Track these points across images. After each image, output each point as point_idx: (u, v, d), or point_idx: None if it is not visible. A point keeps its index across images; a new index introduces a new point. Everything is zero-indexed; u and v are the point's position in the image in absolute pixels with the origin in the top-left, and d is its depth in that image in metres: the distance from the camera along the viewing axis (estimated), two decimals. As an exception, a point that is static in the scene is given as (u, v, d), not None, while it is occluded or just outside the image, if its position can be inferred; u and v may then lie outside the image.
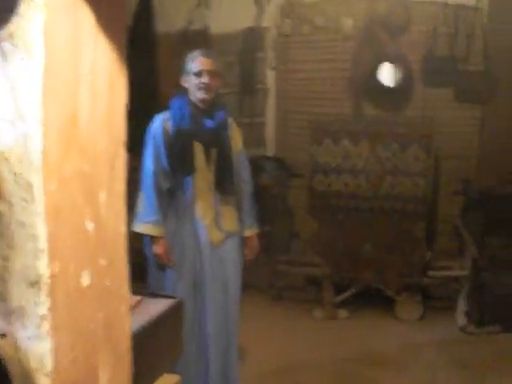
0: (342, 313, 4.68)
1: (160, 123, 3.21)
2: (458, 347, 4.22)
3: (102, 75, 1.41)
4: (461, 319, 4.42)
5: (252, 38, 5.71)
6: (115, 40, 1.45)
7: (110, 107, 1.45)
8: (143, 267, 3.24)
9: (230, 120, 3.40)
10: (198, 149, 3.22)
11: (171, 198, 3.22)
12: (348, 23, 5.23)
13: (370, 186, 5.10)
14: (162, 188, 3.18)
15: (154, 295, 2.48)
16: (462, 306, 4.44)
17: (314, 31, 5.40)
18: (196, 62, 3.19)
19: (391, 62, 5.12)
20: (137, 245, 3.00)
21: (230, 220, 3.33)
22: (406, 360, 4.07)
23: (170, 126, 3.20)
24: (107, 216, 1.48)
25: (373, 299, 4.80)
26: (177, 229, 3.23)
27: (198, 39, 5.63)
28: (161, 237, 3.16)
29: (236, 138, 3.42)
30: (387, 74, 5.14)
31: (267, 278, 5.14)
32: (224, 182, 3.29)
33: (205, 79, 3.15)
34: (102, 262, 1.47)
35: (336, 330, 4.52)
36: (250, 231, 3.46)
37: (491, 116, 5.25)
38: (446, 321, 4.53)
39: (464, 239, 4.68)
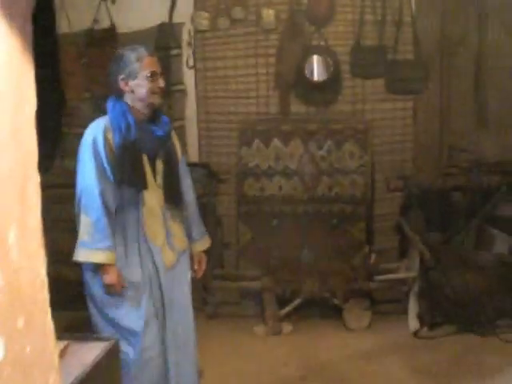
0: (287, 327, 4.43)
1: (100, 134, 2.81)
2: (413, 353, 4.07)
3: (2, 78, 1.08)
4: (413, 323, 4.28)
5: (165, 35, 5.37)
6: (17, 35, 1.12)
7: (14, 120, 1.12)
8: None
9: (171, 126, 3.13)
10: (145, 161, 2.91)
11: (118, 219, 2.86)
12: (269, 15, 4.99)
13: (306, 188, 4.90)
14: (110, 209, 2.81)
15: (83, 337, 2.14)
16: (412, 309, 4.31)
17: (232, 24, 5.14)
18: (144, 62, 2.83)
19: (318, 54, 4.93)
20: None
21: (180, 238, 3.07)
22: (358, 372, 3.88)
23: (112, 136, 2.82)
24: (20, 261, 1.15)
25: (319, 309, 4.60)
26: (127, 254, 2.88)
27: (104, 39, 5.25)
28: (112, 264, 2.80)
29: (177, 145, 3.14)
30: (314, 68, 4.95)
31: (200, 294, 4.83)
32: (174, 197, 3.02)
33: (161, 83, 2.86)
34: (19, 322, 1.14)
35: (281, 346, 4.26)
36: (201, 245, 3.22)
37: (424, 107, 5.20)
38: (397, 326, 4.39)
39: (409, 238, 4.55)
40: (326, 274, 4.43)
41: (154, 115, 2.94)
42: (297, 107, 5.11)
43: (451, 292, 4.21)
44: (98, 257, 2.77)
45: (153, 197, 2.91)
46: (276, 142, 4.85)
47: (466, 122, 5.22)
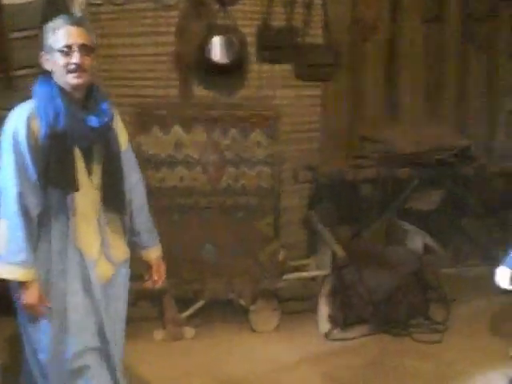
0: (189, 331, 4.13)
1: (23, 122, 2.35)
2: (325, 357, 3.87)
3: None
4: (324, 324, 4.11)
5: (54, 9, 4.95)
6: None
7: None
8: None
9: (115, 111, 2.63)
10: (77, 157, 2.46)
11: (42, 225, 2.44)
12: (171, -11, 4.69)
13: (209, 180, 4.64)
14: (31, 214, 2.37)
15: None
16: (323, 309, 4.14)
17: (129, -1, 4.79)
18: (60, 33, 2.36)
19: (222, 34, 4.67)
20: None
21: (120, 247, 2.67)
22: (265, 381, 3.64)
23: (38, 125, 2.36)
24: None
25: (224, 311, 4.33)
26: (52, 268, 2.47)
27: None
28: (32, 281, 2.39)
29: (121, 134, 2.67)
30: (218, 49, 4.68)
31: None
32: (113, 200, 2.57)
33: (75, 58, 2.36)
34: None
35: (183, 353, 3.96)
36: (156, 251, 2.84)
37: (333, 94, 5.06)
38: (308, 327, 4.19)
39: (319, 234, 4.39)
40: (231, 272, 4.16)
41: (90, 99, 2.47)
42: (199, 91, 4.79)
43: (364, 291, 4.07)
44: (12, 273, 2.35)
45: (86, 200, 2.48)
46: (176, 128, 4.54)
47: (378, 112, 5.15)
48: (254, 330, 4.18)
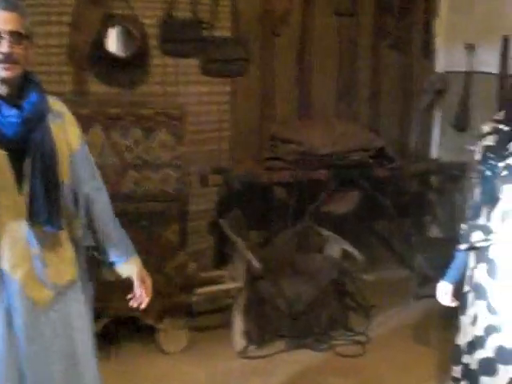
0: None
1: None
2: (241, 378, 3.61)
3: None
4: (239, 341, 3.86)
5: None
6: None
7: None
8: None
9: (59, 104, 2.27)
10: (1, 160, 2.06)
11: None
12: (62, -26, 4.32)
13: (108, 184, 4.28)
14: None
15: None
16: (238, 324, 3.89)
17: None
18: None
19: (121, 25, 4.34)
20: None
21: (60, 268, 2.23)
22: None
23: None
24: None
25: (129, 331, 3.97)
26: None
27: None
28: None
29: (68, 132, 2.27)
30: (116, 42, 4.36)
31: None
32: (42, 211, 2.14)
33: (3, 47, 1.99)
34: None
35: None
36: (136, 261, 2.47)
37: (243, 91, 4.85)
38: (222, 345, 3.91)
39: (232, 242, 4.14)
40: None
41: (21, 92, 2.09)
42: (96, 87, 4.42)
43: (282, 303, 3.86)
44: None
45: (12, 210, 2.09)
46: (72, 127, 4.20)
47: (290, 110, 4.98)
48: (163, 351, 3.88)
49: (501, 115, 2.49)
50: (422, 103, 5.31)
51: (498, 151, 2.35)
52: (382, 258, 5.22)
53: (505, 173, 2.31)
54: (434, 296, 4.65)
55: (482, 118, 4.86)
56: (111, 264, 2.46)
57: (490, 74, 4.70)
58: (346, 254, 4.33)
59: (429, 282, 4.88)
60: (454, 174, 5.05)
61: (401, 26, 5.18)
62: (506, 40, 4.56)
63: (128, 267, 2.47)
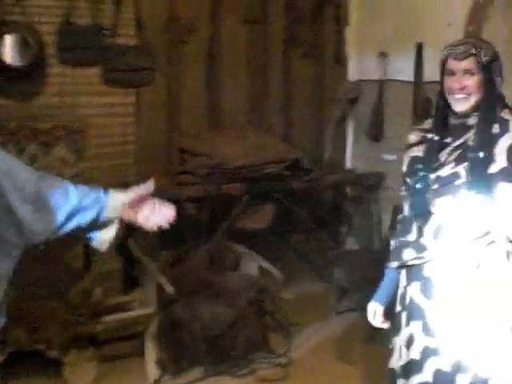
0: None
1: None
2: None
3: None
4: (152, 371, 3.60)
5: None
6: None
7: None
8: None
9: None
10: None
11: None
12: None
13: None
14: None
15: None
16: (150, 353, 3.65)
17: None
18: None
19: (16, 33, 4.05)
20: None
21: None
22: None
23: None
24: None
25: (32, 365, 3.61)
26: None
27: None
28: None
29: None
30: (10, 50, 4.05)
31: None
32: None
33: None
34: None
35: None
36: (113, 197, 2.01)
37: (149, 102, 4.62)
38: (134, 376, 3.63)
39: (140, 263, 3.90)
40: (36, 317, 3.56)
41: None
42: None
43: (198, 327, 3.64)
44: None
45: None
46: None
47: (200, 121, 4.79)
48: (69, 386, 3.58)
49: (428, 124, 2.35)
50: (335, 112, 5.25)
51: (427, 162, 2.20)
52: (300, 273, 5.10)
53: (436, 185, 2.16)
54: (354, 309, 4.63)
55: (396, 127, 4.87)
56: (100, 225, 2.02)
57: (405, 81, 4.68)
58: (263, 271, 4.19)
59: (348, 295, 4.82)
60: (370, 184, 5.02)
61: (312, 34, 5.10)
62: (419, 46, 4.53)
63: (113, 207, 2.01)
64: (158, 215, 2.12)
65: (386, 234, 4.87)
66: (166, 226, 2.16)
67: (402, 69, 4.69)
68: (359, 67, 5.23)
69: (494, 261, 2.12)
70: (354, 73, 5.28)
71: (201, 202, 4.41)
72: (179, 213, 4.62)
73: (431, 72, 4.43)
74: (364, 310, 4.53)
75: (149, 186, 2.05)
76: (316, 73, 5.21)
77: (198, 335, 3.65)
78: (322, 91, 5.27)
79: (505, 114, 2.16)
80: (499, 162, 2.07)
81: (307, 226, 5.03)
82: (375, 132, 4.99)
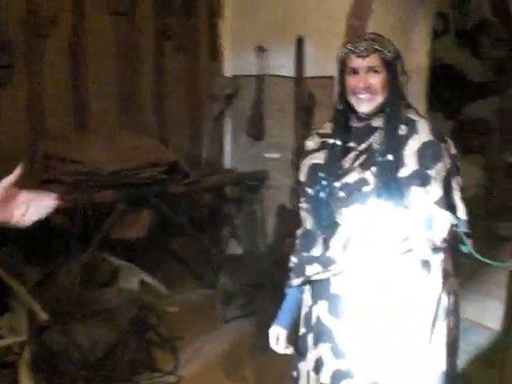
0: None
1: None
2: None
3: None
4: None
5: None
6: None
7: None
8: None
9: None
10: None
11: None
12: None
13: None
14: None
15: None
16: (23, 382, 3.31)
17: None
18: None
19: None
20: None
21: None
22: None
23: None
24: None
25: None
26: None
27: None
28: None
29: None
30: None
31: None
32: None
33: None
34: None
35: None
36: None
37: (7, 103, 4.20)
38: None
39: (6, 285, 3.52)
40: None
41: None
42: None
43: (77, 353, 3.33)
44: None
45: None
46: None
47: (65, 122, 4.42)
48: None
49: (327, 128, 2.19)
50: (212, 110, 5.06)
51: (330, 169, 2.05)
52: (183, 281, 4.89)
53: (342, 194, 2.01)
54: (241, 316, 4.49)
55: (278, 124, 4.76)
56: None
57: (285, 77, 4.54)
58: (144, 285, 3.94)
59: (234, 302, 4.68)
60: (252, 184, 4.90)
61: (185, 27, 4.84)
62: (299, 41, 4.40)
63: None
64: (34, 208, 1.80)
65: (270, 235, 4.78)
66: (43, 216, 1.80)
67: (282, 64, 4.55)
68: (236, 62, 5.08)
69: (408, 270, 2.00)
70: (230, 68, 5.12)
71: (71, 212, 4.07)
72: (47, 225, 4.29)
73: (313, 67, 4.37)
74: (251, 315, 4.46)
75: (16, 174, 1.74)
76: (190, 68, 4.96)
77: (77, 362, 3.35)
78: (197, 88, 5.03)
79: (411, 115, 2.05)
80: (409, 166, 1.95)
81: (187, 231, 4.83)
82: (256, 130, 4.83)
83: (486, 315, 3.91)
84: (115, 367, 3.49)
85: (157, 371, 3.72)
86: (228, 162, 5.30)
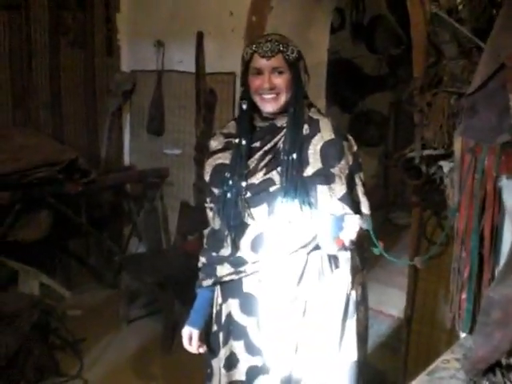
0: None
1: None
2: None
3: None
4: None
5: None
6: None
7: None
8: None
9: None
10: None
11: None
12: None
13: None
14: None
15: None
16: None
17: None
18: None
19: None
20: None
21: None
22: None
23: None
24: None
25: None
26: None
27: None
28: None
29: None
30: None
31: None
32: None
33: None
34: None
35: None
36: None
37: None
38: None
39: None
40: None
41: None
42: None
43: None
44: None
45: None
46: None
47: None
48: None
49: (230, 128, 2.28)
50: (109, 106, 5.04)
51: (236, 169, 2.13)
52: (84, 281, 4.93)
53: (249, 194, 2.11)
54: (144, 316, 4.53)
55: (179, 120, 4.80)
56: None
57: (185, 72, 4.59)
58: (44, 288, 3.94)
59: (136, 302, 4.72)
60: (153, 181, 4.93)
61: (80, 21, 4.82)
62: (199, 36, 4.46)
63: None
64: None
65: (173, 232, 4.83)
66: None
67: (182, 59, 4.61)
68: (134, 57, 5.11)
69: (317, 267, 2.13)
70: (127, 63, 5.15)
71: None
72: None
73: (213, 63, 4.45)
74: (155, 314, 4.50)
75: None
76: (86, 63, 4.95)
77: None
78: (94, 83, 5.02)
79: (313, 114, 2.17)
80: (314, 164, 2.07)
81: (87, 230, 4.83)
82: (155, 126, 4.89)
83: (388, 303, 4.10)
84: (19, 373, 3.49)
85: (62, 375, 3.74)
86: (127, 158, 5.34)
